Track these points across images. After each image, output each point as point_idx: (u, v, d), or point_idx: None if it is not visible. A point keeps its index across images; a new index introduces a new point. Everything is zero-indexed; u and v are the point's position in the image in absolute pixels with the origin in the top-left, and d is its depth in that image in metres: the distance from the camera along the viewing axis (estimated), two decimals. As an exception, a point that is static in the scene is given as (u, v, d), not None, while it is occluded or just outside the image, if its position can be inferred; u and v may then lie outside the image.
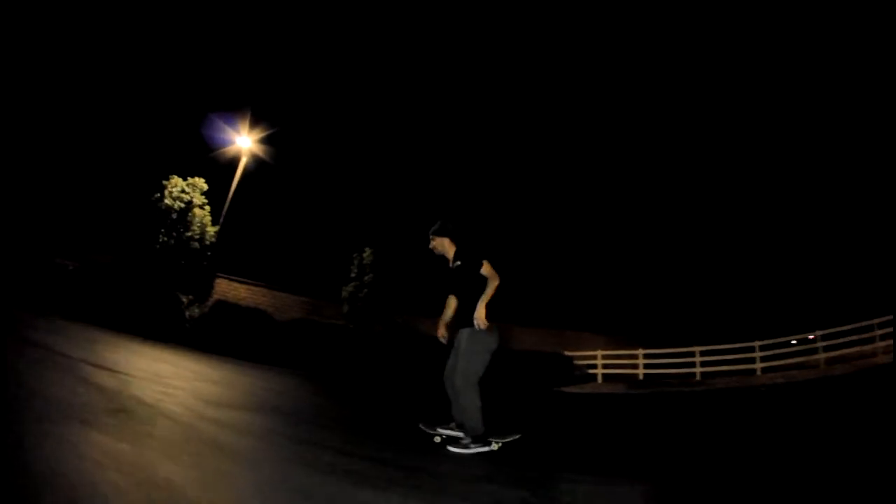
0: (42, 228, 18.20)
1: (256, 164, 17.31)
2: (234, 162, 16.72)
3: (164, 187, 14.91)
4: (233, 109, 18.54)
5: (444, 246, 4.79)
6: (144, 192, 15.51)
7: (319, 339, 14.49)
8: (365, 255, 18.21)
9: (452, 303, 4.75)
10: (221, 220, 15.60)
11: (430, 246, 4.84)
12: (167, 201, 14.60)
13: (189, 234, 14.53)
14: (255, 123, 16.81)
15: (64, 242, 17.68)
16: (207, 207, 15.42)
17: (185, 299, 14.31)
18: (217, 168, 17.01)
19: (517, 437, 4.44)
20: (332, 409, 6.58)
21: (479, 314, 4.28)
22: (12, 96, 23.09)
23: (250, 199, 16.94)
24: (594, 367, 18.20)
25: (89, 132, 26.32)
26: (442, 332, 4.72)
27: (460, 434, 4.38)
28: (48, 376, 3.87)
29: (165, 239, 14.25)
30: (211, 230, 15.09)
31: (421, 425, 4.72)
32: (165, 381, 5.22)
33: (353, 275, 18.12)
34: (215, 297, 15.77)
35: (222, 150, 16.81)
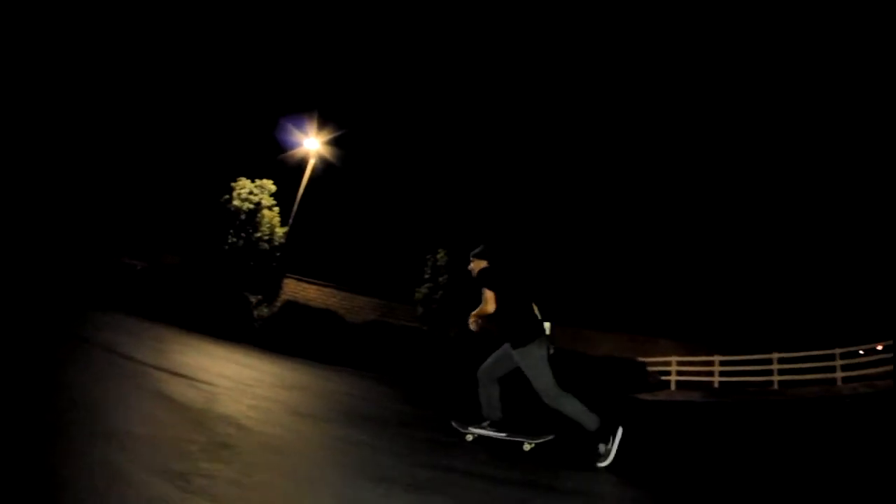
0: (111, 229, 18.43)
1: (326, 165, 16.94)
2: (302, 164, 16.37)
3: (233, 189, 14.62)
4: (301, 111, 18.03)
5: (472, 268, 4.81)
6: (214, 194, 15.37)
7: (393, 342, 13.83)
8: (439, 256, 17.52)
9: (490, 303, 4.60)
10: (291, 220, 15.26)
11: (469, 268, 4.84)
12: (236, 202, 14.37)
13: (258, 234, 14.19)
14: (322, 125, 16.40)
15: (132, 243, 17.91)
16: (276, 209, 15.12)
17: (253, 299, 13.92)
18: (285, 170, 16.74)
19: (551, 437, 4.50)
20: (428, 418, 5.93)
21: (470, 319, 4.56)
22: (84, 98, 23.80)
23: (320, 201, 16.57)
24: (668, 373, 16.98)
25: (160, 134, 26.77)
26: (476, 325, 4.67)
27: (492, 432, 4.57)
28: (119, 391, 3.31)
29: (234, 240, 13.98)
30: (280, 231, 14.79)
31: (453, 423, 4.78)
32: (251, 390, 4.68)
33: (426, 276, 17.47)
34: (284, 297, 15.40)
35: (291, 153, 16.46)
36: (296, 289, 16.07)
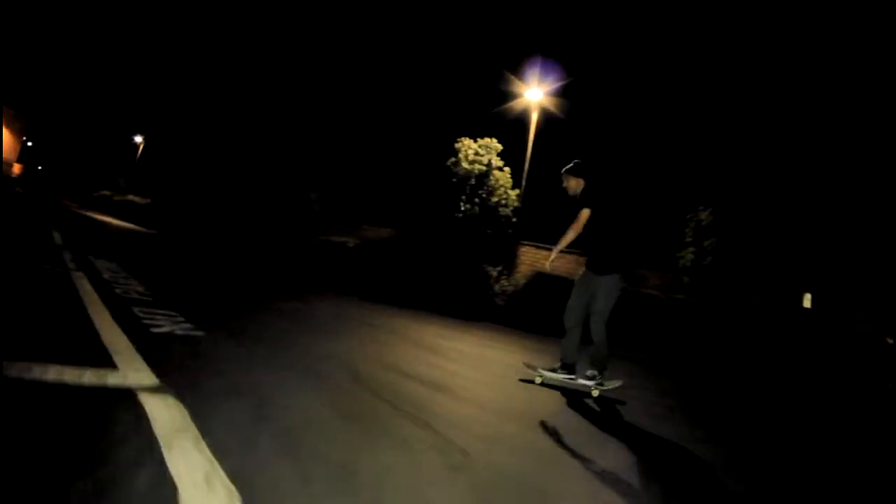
0: (314, 208, 18.92)
1: (551, 118, 14.81)
2: (524, 118, 14.44)
3: (457, 151, 13.20)
4: (517, 58, 16.01)
5: (578, 185, 4.76)
6: (427, 159, 14.26)
7: (657, 317, 11.19)
8: (703, 216, 14.20)
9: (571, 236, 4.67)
10: (523, 182, 13.35)
11: (564, 185, 4.84)
12: (464, 165, 12.97)
13: (495, 198, 12.53)
14: (545, 73, 14.25)
15: (340, 218, 18.03)
16: (507, 169, 13.32)
17: (493, 272, 12.35)
18: (504, 126, 14.95)
19: (619, 384, 4.57)
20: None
21: (552, 255, 4.75)
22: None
23: (549, 157, 14.34)
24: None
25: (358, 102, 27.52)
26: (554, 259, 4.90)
27: (563, 375, 4.57)
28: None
29: (467, 206, 12.48)
30: (513, 193, 12.95)
31: (524, 363, 5.11)
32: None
33: (688, 240, 14.26)
34: (522, 267, 13.66)
35: (508, 106, 14.61)
36: (534, 257, 14.20)
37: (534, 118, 14.38)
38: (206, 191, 24.63)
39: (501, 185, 13.08)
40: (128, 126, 36.97)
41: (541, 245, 14.41)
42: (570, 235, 4.56)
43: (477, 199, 12.83)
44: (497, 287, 12.45)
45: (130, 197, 29.36)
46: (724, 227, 14.10)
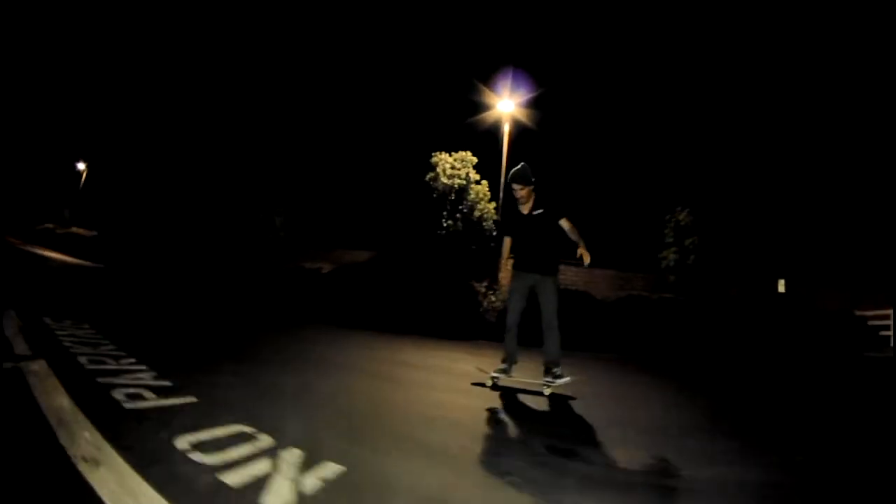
0: (288, 233, 18.04)
1: (523, 128, 14.59)
2: (494, 130, 14.23)
3: (434, 166, 12.78)
4: (487, 69, 15.76)
5: (529, 194, 4.99)
6: (400, 176, 13.85)
7: (653, 318, 11.13)
8: (681, 217, 14.31)
9: (508, 246, 5.22)
10: (501, 194, 13.01)
11: (515, 191, 4.99)
12: (443, 180, 12.48)
13: (478, 213, 12.12)
14: (516, 84, 14.04)
15: (311, 244, 17.26)
16: (484, 182, 12.98)
17: (480, 288, 11.91)
18: (475, 139, 14.66)
19: (569, 379, 4.75)
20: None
21: (587, 253, 4.79)
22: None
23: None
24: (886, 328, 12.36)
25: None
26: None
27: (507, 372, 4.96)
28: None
29: (451, 222, 12.02)
30: (490, 206, 12.56)
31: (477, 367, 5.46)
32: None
33: (668, 240, 14.33)
34: (505, 281, 13.25)
35: (480, 118, 14.38)
36: (516, 270, 13.80)
37: (506, 129, 14.14)
38: (156, 219, 23.26)
39: (481, 199, 12.69)
40: (69, 151, 34.12)
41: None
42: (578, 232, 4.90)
43: (458, 215, 12.39)
44: (486, 303, 12.04)
45: (74, 229, 27.47)
46: (702, 226, 14.22)
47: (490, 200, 13.39)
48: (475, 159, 13.32)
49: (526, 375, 5.14)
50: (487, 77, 15.13)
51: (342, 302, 12.47)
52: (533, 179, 4.94)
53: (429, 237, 12.39)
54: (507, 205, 5.23)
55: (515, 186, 4.93)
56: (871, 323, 13.21)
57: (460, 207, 12.54)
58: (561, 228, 4.86)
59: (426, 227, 12.53)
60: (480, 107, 14.55)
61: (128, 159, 30.74)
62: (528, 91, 14.06)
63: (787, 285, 14.43)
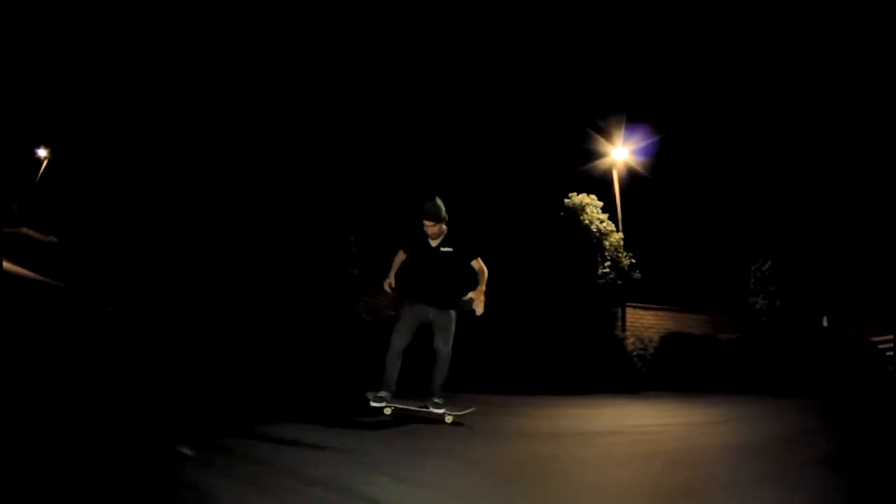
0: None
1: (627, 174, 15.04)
2: (607, 176, 14.76)
3: (570, 207, 12.72)
4: (598, 116, 15.84)
5: (440, 230, 5.15)
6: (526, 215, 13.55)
7: (764, 356, 12.48)
8: (764, 267, 15.66)
9: (397, 264, 5.42)
10: (622, 242, 13.18)
11: (426, 227, 5.10)
12: (587, 222, 12.35)
13: (626, 262, 12.24)
14: (629, 132, 14.60)
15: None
16: (620, 233, 13.09)
17: (626, 338, 12.11)
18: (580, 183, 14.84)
19: (472, 409, 5.06)
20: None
21: (480, 301, 5.01)
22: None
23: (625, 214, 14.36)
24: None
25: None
26: (391, 284, 5.36)
27: (411, 405, 5.04)
28: None
29: (606, 270, 12.00)
30: (627, 256, 12.68)
31: (368, 395, 4.92)
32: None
33: (752, 287, 15.58)
34: (630, 329, 13.56)
35: (593, 165, 14.69)
36: (633, 317, 14.17)
37: (616, 177, 14.49)
38: (154, 229, 19.59)
39: (618, 248, 12.79)
40: (29, 132, 27.26)
41: (636, 304, 14.41)
42: (486, 276, 5.18)
43: (608, 263, 12.37)
44: (634, 352, 12.21)
45: (25, 230, 23.15)
46: (783, 275, 15.57)
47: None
48: (601, 203, 13.33)
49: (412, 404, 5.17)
50: (599, 123, 15.16)
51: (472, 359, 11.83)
52: (444, 216, 5.12)
53: (577, 285, 12.20)
54: (416, 230, 5.23)
55: (427, 223, 5.08)
56: (879, 346, 15.53)
57: (606, 255, 12.52)
58: (470, 267, 5.18)
59: (571, 274, 12.31)
60: (593, 154, 14.75)
61: (114, 148, 25.25)
62: (641, 139, 14.46)
63: (829, 320, 16.61)
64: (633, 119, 14.96)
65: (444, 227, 5.16)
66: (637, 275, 12.66)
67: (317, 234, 15.28)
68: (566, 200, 13.10)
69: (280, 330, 12.16)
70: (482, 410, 5.30)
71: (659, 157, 15.36)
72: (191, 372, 7.34)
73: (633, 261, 12.75)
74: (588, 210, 12.69)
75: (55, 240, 21.76)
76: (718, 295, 16.55)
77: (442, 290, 5.15)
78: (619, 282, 12.61)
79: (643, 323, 14.50)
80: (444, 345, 5.02)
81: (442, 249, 5.16)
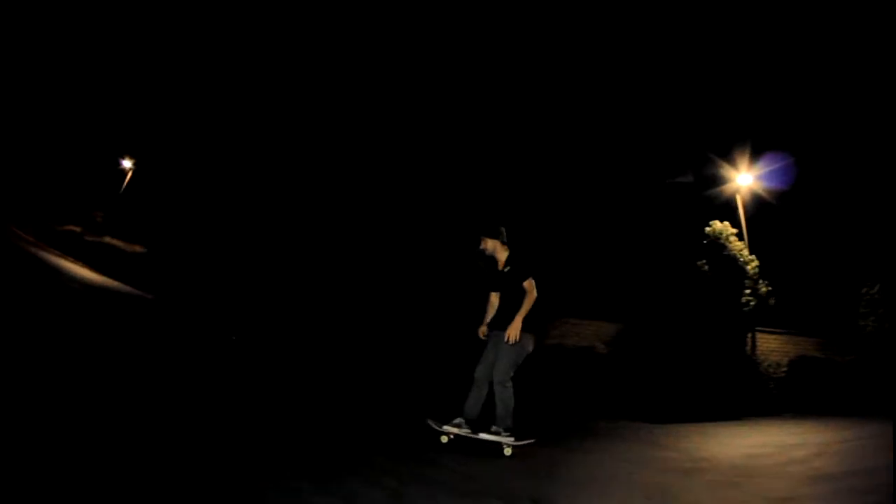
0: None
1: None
2: (730, 203, 15.19)
3: (712, 235, 13.20)
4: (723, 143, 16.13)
5: (496, 248, 5.32)
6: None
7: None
8: (873, 290, 16.07)
9: (495, 302, 5.41)
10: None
11: (481, 247, 5.31)
12: (734, 252, 12.82)
13: (764, 289, 12.69)
14: (754, 157, 14.86)
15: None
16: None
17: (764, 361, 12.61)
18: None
19: (532, 441, 5.06)
20: None
21: (514, 328, 4.95)
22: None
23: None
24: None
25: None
26: (483, 331, 5.32)
27: (467, 432, 4.98)
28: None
29: (751, 299, 12.50)
30: (763, 283, 13.18)
31: (429, 421, 5.06)
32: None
33: (862, 311, 15.97)
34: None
35: (717, 190, 15.12)
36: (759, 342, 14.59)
37: (741, 203, 14.90)
38: (255, 240, 19.81)
39: (755, 275, 13.28)
40: (113, 144, 27.49)
41: (762, 329, 14.77)
42: (532, 299, 5.06)
43: (749, 290, 12.88)
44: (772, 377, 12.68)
45: (108, 239, 23.59)
46: (891, 299, 15.98)
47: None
48: (734, 230, 13.84)
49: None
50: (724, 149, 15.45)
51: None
52: (499, 232, 5.36)
53: (720, 312, 12.72)
54: (483, 257, 5.43)
55: (498, 244, 5.36)
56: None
57: (746, 282, 13.02)
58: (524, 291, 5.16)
59: (714, 301, 12.83)
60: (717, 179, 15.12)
61: (202, 158, 25.45)
62: (767, 165, 14.81)
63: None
64: (758, 145, 15.27)
65: (496, 243, 5.33)
66: (772, 301, 13.18)
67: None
68: (707, 229, 13.68)
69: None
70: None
71: (772, 181, 15.50)
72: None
73: (770, 288, 13.29)
74: (731, 239, 13.24)
75: (142, 250, 21.61)
76: (827, 318, 16.92)
77: (502, 311, 5.26)
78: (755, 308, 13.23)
79: (767, 347, 14.96)
80: (497, 372, 5.03)
81: (505, 269, 5.32)
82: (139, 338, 8.24)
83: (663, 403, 10.63)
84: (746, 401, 12.06)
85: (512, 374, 5.00)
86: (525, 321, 4.96)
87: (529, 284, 5.06)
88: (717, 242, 13.39)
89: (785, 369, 13.08)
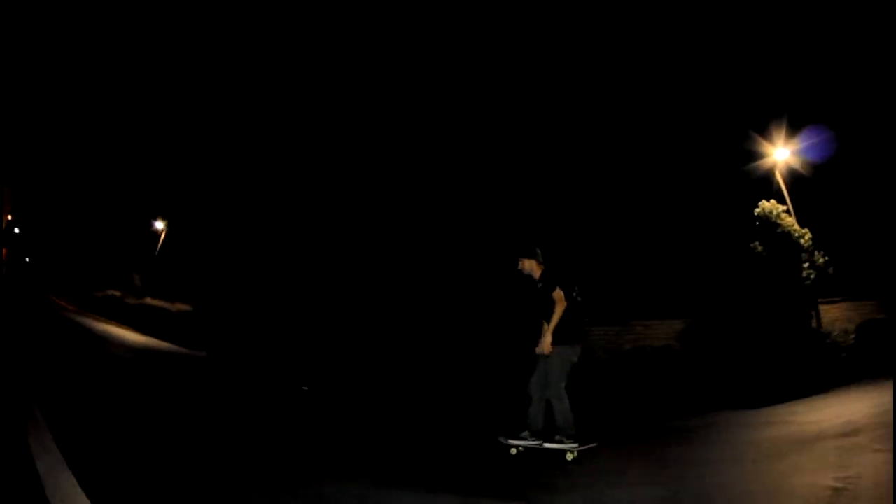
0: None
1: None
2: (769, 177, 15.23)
3: (763, 217, 13.34)
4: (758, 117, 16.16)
5: (533, 267, 5.55)
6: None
7: None
8: None
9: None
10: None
11: (519, 267, 5.60)
12: (788, 229, 12.96)
13: (821, 259, 12.84)
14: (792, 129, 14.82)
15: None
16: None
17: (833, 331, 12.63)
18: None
19: (594, 445, 5.22)
20: None
21: (545, 340, 5.24)
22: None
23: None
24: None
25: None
26: (546, 348, 5.28)
27: (532, 442, 5.28)
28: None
29: (810, 272, 12.60)
30: (819, 254, 13.30)
31: (500, 439, 5.38)
32: None
33: None
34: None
35: (754, 165, 15.04)
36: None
37: (779, 178, 14.96)
38: (296, 292, 19.87)
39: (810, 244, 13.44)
40: (144, 207, 28.31)
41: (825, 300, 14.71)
42: (560, 310, 5.21)
43: (806, 263, 13.03)
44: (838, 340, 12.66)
45: (149, 300, 24.01)
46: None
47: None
48: (781, 206, 13.95)
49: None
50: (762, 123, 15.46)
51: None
52: (533, 251, 5.61)
53: (781, 288, 12.82)
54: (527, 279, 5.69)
55: (535, 263, 5.64)
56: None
57: (803, 255, 13.17)
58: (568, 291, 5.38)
59: (772, 279, 12.94)
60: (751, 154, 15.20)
61: (234, 209, 25.91)
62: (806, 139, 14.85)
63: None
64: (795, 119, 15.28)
65: (532, 263, 5.58)
66: (831, 270, 13.29)
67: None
68: (756, 210, 13.87)
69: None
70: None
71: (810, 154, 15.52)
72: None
73: (827, 258, 13.41)
74: (782, 216, 13.41)
75: (187, 308, 21.72)
76: (878, 279, 16.77)
77: (541, 326, 5.48)
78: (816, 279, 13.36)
79: (830, 317, 14.95)
80: (553, 381, 5.24)
81: (539, 286, 5.56)
82: (207, 399, 8.47)
83: (750, 389, 10.68)
84: (824, 373, 12.07)
85: (563, 385, 5.19)
86: (561, 331, 5.19)
87: (557, 295, 5.24)
88: (770, 221, 13.55)
89: (853, 336, 13.11)
